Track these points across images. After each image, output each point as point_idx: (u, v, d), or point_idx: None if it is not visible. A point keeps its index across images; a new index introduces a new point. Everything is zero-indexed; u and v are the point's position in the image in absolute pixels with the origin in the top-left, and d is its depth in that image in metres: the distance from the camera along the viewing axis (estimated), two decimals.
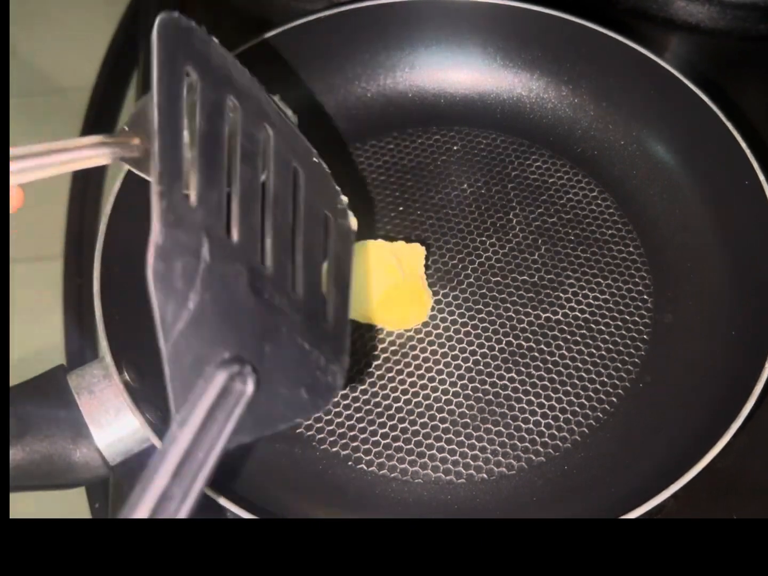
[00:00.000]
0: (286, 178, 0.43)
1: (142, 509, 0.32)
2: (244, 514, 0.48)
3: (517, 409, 0.59)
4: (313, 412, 0.47)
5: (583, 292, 0.64)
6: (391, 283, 0.60)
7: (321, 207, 0.45)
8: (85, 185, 0.99)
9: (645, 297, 0.64)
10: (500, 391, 0.60)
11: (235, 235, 0.39)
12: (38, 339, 0.85)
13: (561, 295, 0.64)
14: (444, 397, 0.59)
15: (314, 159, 0.48)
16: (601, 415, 0.58)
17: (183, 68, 0.39)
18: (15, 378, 0.54)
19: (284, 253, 0.42)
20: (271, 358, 0.39)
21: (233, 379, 0.36)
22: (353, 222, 0.47)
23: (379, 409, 0.59)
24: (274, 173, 0.43)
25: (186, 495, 0.34)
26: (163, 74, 0.39)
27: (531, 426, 0.58)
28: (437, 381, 0.60)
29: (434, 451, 0.57)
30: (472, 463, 0.57)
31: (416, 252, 0.62)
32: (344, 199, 0.47)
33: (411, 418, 0.58)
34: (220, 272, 0.38)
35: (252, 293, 0.39)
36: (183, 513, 0.33)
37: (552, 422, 0.58)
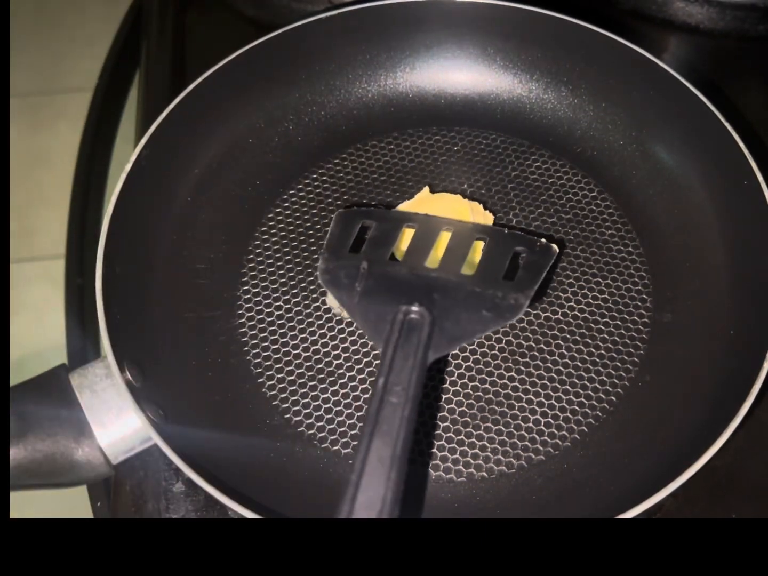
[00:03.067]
0: (466, 241, 0.59)
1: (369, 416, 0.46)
2: (247, 513, 0.48)
3: (516, 408, 0.59)
4: (500, 324, 0.55)
5: (583, 291, 0.64)
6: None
7: (509, 249, 0.58)
8: (87, 185, 0.99)
9: (644, 296, 0.64)
10: (500, 389, 0.60)
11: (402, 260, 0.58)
12: (40, 338, 0.86)
13: (560, 294, 0.64)
14: (444, 396, 0.59)
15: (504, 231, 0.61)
16: (600, 414, 0.58)
17: (358, 223, 0.60)
18: (17, 377, 0.54)
19: (455, 264, 0.57)
20: (440, 299, 0.54)
21: (409, 314, 0.53)
22: (553, 248, 0.57)
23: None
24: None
25: (405, 399, 0.47)
26: (340, 221, 0.60)
27: (531, 425, 0.58)
28: (437, 380, 0.60)
29: (434, 450, 0.57)
30: (472, 461, 0.57)
31: (487, 218, 0.67)
32: (543, 241, 0.58)
33: None
34: (381, 271, 0.57)
35: (413, 276, 0.56)
36: (407, 411, 0.47)
37: (552, 421, 0.58)
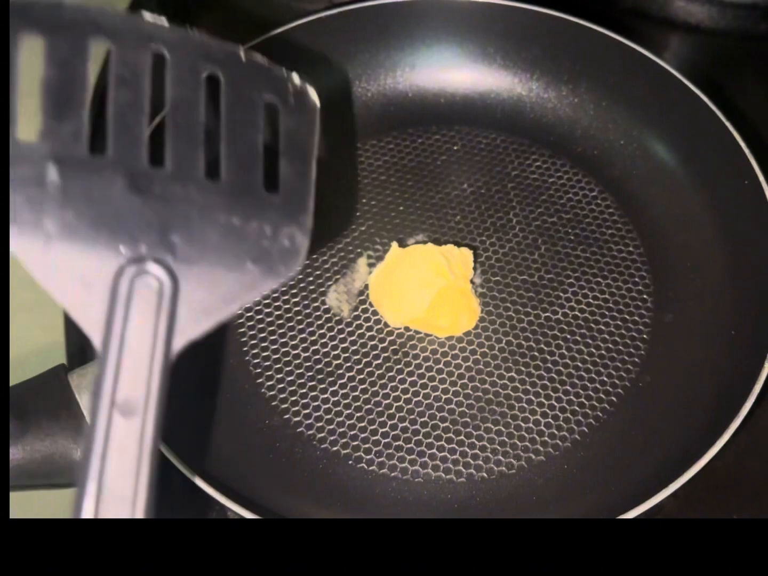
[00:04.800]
0: (192, 85, 0.39)
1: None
2: (246, 514, 0.48)
3: (517, 408, 0.59)
4: (272, 283, 0.39)
5: (583, 291, 0.64)
6: (441, 286, 0.60)
7: (257, 96, 0.42)
8: None
9: (645, 296, 0.64)
10: (500, 390, 0.60)
11: (109, 149, 0.37)
12: (38, 338, 0.85)
13: (561, 294, 0.64)
14: (444, 396, 0.59)
15: (241, 55, 0.44)
16: (601, 415, 0.58)
17: (14, 41, 0.38)
18: (16, 377, 0.54)
19: (190, 149, 0.38)
20: (183, 246, 0.37)
21: (141, 276, 0.35)
22: (312, 96, 0.44)
23: (380, 408, 0.59)
24: (173, 86, 0.39)
25: (146, 416, 0.33)
26: None
27: (531, 425, 0.58)
28: (437, 380, 0.60)
29: (434, 450, 0.57)
30: (472, 462, 0.57)
31: (465, 256, 0.63)
32: (294, 77, 0.44)
33: (411, 417, 0.58)
34: (82, 186, 0.36)
35: (135, 194, 0.36)
36: (148, 440, 0.33)
37: (552, 421, 0.58)
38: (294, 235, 0.40)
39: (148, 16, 0.40)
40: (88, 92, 0.37)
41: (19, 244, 0.35)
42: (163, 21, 0.40)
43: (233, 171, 0.39)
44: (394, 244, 0.64)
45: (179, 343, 0.36)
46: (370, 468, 0.57)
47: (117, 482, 0.33)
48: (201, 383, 0.59)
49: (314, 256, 0.66)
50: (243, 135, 0.40)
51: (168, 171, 0.38)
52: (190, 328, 0.36)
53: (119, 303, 0.35)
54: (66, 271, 0.35)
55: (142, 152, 0.37)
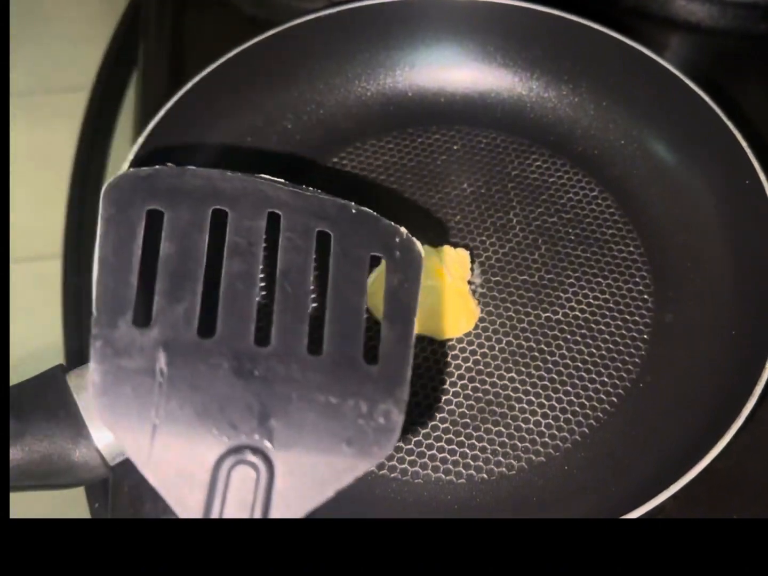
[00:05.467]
0: (303, 248, 0.42)
1: None
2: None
3: (517, 409, 0.59)
4: (366, 466, 0.39)
5: (584, 291, 0.64)
6: (438, 289, 0.60)
7: (364, 252, 0.43)
8: (85, 185, 0.99)
9: (645, 297, 0.64)
10: (500, 390, 0.60)
11: (218, 330, 0.39)
12: (37, 338, 0.85)
13: (561, 294, 0.64)
14: (444, 397, 0.59)
15: (352, 211, 0.46)
16: (601, 415, 0.58)
17: (140, 213, 0.40)
18: (14, 377, 0.54)
19: (296, 323, 0.40)
20: (281, 430, 0.38)
21: (235, 468, 0.36)
22: (418, 249, 0.45)
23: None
24: (284, 249, 0.42)
25: None
26: (109, 230, 0.41)
27: (531, 426, 0.58)
28: (437, 381, 0.60)
29: (434, 451, 0.57)
30: (472, 463, 0.57)
31: (462, 257, 0.63)
32: (403, 231, 0.45)
33: (411, 417, 0.58)
34: (188, 374, 0.38)
35: (238, 378, 0.38)
36: None
37: (552, 422, 0.58)
38: (390, 412, 0.39)
39: (266, 177, 0.43)
40: (203, 267, 0.40)
41: (125, 437, 0.37)
42: (280, 182, 0.43)
43: (335, 342, 0.40)
44: None
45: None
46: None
47: None
48: None
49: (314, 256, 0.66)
50: (347, 298, 0.41)
51: (272, 349, 0.39)
52: (283, 516, 0.37)
53: (217, 492, 0.36)
54: (167, 463, 0.36)
55: (249, 331, 0.39)
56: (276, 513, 0.36)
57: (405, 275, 0.43)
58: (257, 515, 0.36)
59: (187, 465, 0.36)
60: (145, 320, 0.40)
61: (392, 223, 0.45)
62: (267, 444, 0.37)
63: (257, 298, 0.40)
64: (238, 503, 0.36)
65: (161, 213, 0.41)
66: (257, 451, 0.37)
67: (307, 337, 0.40)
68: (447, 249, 0.63)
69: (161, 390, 0.37)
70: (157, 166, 0.43)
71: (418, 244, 0.45)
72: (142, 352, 0.37)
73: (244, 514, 0.35)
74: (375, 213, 0.46)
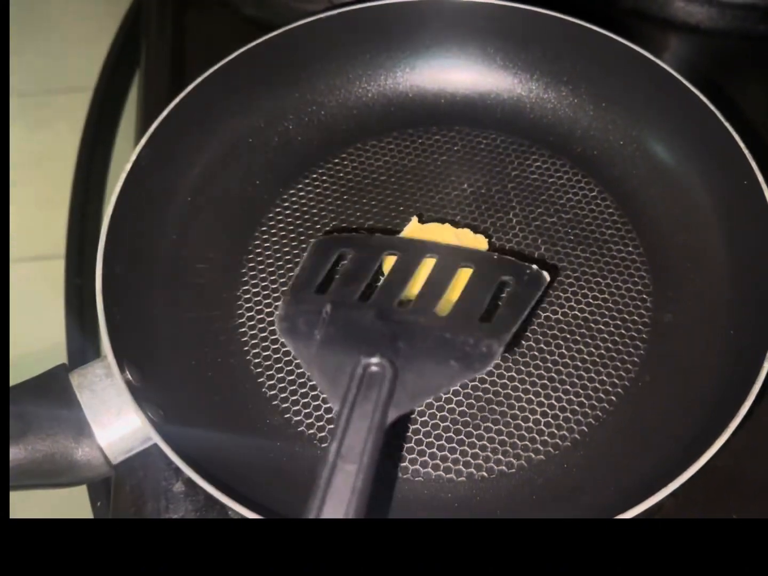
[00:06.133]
0: (448, 269, 0.57)
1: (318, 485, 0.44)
2: (247, 513, 0.48)
3: (516, 408, 0.59)
4: (468, 377, 0.55)
5: (583, 291, 0.64)
6: None
7: (496, 275, 0.56)
8: (87, 185, 0.99)
9: (644, 296, 0.64)
10: (500, 389, 0.60)
11: (373, 298, 0.56)
12: (40, 338, 0.85)
13: (561, 294, 0.64)
14: (444, 396, 0.59)
15: (494, 256, 0.60)
16: (600, 414, 0.58)
17: (334, 253, 0.58)
18: (17, 377, 0.54)
19: (431, 295, 0.55)
20: (405, 349, 0.51)
21: (370, 368, 0.50)
22: (545, 278, 0.56)
23: None
24: (434, 270, 0.57)
25: (361, 464, 0.45)
26: (313, 251, 0.59)
27: (531, 424, 0.58)
28: None
29: (434, 450, 0.57)
30: (472, 461, 0.57)
31: (479, 242, 0.65)
32: (534, 267, 0.56)
33: (411, 416, 0.58)
34: (344, 315, 0.54)
35: (379, 320, 0.54)
36: (360, 481, 0.44)
37: (552, 421, 0.58)
38: (491, 345, 0.52)
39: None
40: (369, 276, 0.57)
41: (293, 344, 0.53)
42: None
43: (459, 308, 0.54)
44: (414, 219, 0.67)
45: (393, 415, 0.48)
46: None
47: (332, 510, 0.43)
48: (202, 383, 0.60)
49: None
50: (475, 291, 0.56)
51: (410, 308, 0.55)
52: (402, 405, 0.49)
53: (354, 383, 0.49)
54: (323, 361, 0.51)
55: (396, 299, 0.55)
56: (396, 401, 0.49)
57: (527, 288, 0.55)
58: (381, 401, 0.48)
59: (335, 364, 0.51)
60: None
61: (529, 264, 0.57)
62: (394, 356, 0.50)
63: (404, 290, 0.56)
64: (369, 391, 0.49)
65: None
66: (387, 359, 0.50)
67: (437, 303, 0.54)
68: (466, 231, 0.66)
69: (323, 322, 0.53)
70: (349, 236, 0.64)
71: (546, 275, 0.56)
72: (314, 303, 0.55)
73: (372, 399, 0.48)
74: (514, 259, 0.59)
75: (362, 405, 0.48)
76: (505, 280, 0.56)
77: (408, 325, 0.53)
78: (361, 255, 0.58)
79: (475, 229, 0.67)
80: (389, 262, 0.58)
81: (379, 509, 0.55)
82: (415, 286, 0.56)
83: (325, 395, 0.59)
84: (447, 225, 0.65)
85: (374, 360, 0.50)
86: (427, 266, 0.57)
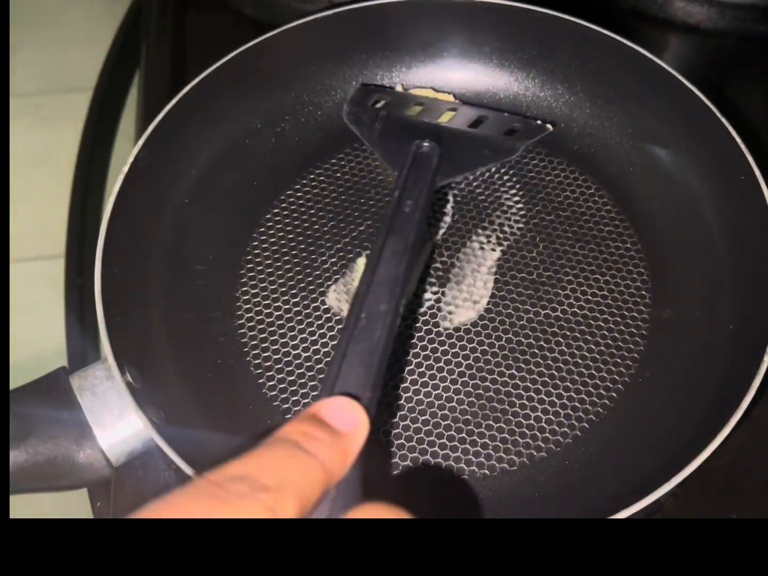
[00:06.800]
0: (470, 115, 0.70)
1: (385, 221, 0.57)
2: None
3: (517, 406, 0.59)
4: (498, 161, 0.67)
5: (582, 288, 0.64)
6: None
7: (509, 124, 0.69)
8: (87, 185, 0.99)
9: (643, 293, 0.64)
10: (500, 387, 0.60)
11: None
12: (40, 339, 0.85)
13: (560, 291, 0.64)
14: (445, 395, 0.60)
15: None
16: (601, 411, 0.59)
17: (377, 93, 0.72)
18: (17, 380, 0.54)
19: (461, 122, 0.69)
20: (449, 140, 0.66)
21: (421, 148, 0.65)
22: (547, 127, 0.68)
23: (381, 407, 0.59)
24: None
25: (415, 207, 0.58)
26: (360, 90, 0.73)
27: (532, 422, 0.58)
28: (438, 378, 0.60)
29: (436, 448, 0.57)
30: (473, 459, 0.57)
31: (445, 96, 0.75)
32: (539, 122, 0.69)
33: (412, 415, 0.59)
34: (397, 117, 0.69)
35: (425, 123, 0.68)
36: (417, 216, 0.58)
37: (552, 418, 0.59)
38: (515, 143, 0.66)
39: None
40: (409, 107, 0.71)
41: (359, 129, 0.69)
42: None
43: (486, 126, 0.69)
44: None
45: (439, 181, 0.63)
46: None
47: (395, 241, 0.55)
48: (202, 384, 0.60)
49: (313, 257, 0.67)
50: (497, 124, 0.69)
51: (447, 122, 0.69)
52: (447, 174, 0.64)
53: (409, 157, 0.64)
54: (383, 143, 0.67)
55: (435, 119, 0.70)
56: (442, 172, 0.64)
57: (535, 128, 0.69)
58: (431, 168, 0.63)
59: (395, 143, 0.66)
60: None
61: (534, 119, 0.70)
62: (439, 143, 0.65)
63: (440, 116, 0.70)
64: (423, 161, 0.64)
65: None
66: (434, 143, 0.65)
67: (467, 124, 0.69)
68: (429, 90, 0.75)
69: (382, 118, 0.69)
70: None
71: (548, 125, 0.68)
72: (372, 108, 0.71)
73: (426, 168, 0.63)
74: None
75: (416, 171, 0.62)
76: (516, 127, 0.68)
77: (448, 128, 0.68)
78: (398, 97, 0.72)
79: (474, 228, 0.68)
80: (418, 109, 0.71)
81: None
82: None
83: (387, 166, 0.67)
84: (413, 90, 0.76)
85: (425, 143, 0.65)
86: (449, 115, 0.70)
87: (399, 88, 0.75)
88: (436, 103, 0.71)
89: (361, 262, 0.66)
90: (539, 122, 0.68)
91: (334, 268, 0.66)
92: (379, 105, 0.71)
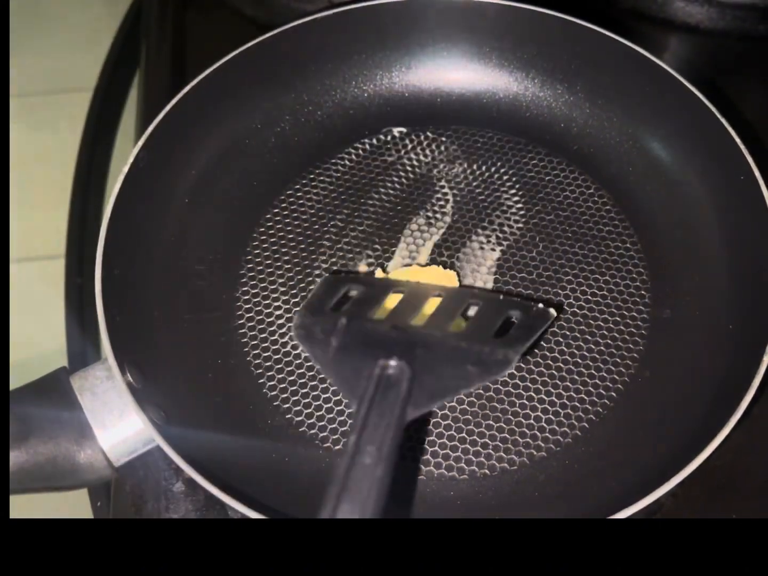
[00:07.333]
0: (458, 304, 0.57)
1: (336, 477, 0.43)
2: (249, 513, 0.48)
3: (518, 405, 0.59)
4: (486, 380, 0.55)
5: (582, 288, 0.64)
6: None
7: (504, 312, 0.56)
8: (88, 185, 0.99)
9: (643, 292, 0.64)
10: (500, 387, 0.60)
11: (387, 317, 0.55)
12: (40, 339, 0.86)
13: (559, 291, 0.64)
14: None
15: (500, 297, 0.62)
16: (601, 410, 0.59)
17: (343, 287, 0.58)
18: (17, 381, 0.54)
19: (445, 315, 0.55)
20: (422, 355, 0.51)
21: (387, 369, 0.49)
22: (550, 313, 0.56)
23: None
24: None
25: (377, 462, 0.44)
26: (324, 284, 0.59)
27: (532, 422, 0.59)
28: None
29: (436, 448, 0.58)
30: (474, 459, 0.57)
31: (449, 277, 0.65)
32: (540, 306, 0.56)
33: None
34: (360, 327, 0.53)
35: (395, 331, 0.53)
36: (380, 471, 0.44)
37: (553, 417, 0.59)
38: (508, 353, 0.50)
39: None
40: (381, 304, 0.56)
41: (311, 349, 0.53)
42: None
43: (472, 328, 0.54)
44: (378, 272, 0.66)
45: (412, 413, 0.49)
46: None
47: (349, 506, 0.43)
48: (202, 384, 0.60)
49: (314, 257, 0.67)
50: (487, 316, 0.55)
51: (425, 324, 0.54)
52: (421, 405, 0.49)
53: (372, 383, 0.48)
54: (339, 365, 0.52)
55: (410, 318, 0.55)
56: (414, 400, 0.48)
57: (535, 320, 0.55)
58: (400, 399, 0.48)
59: (355, 366, 0.50)
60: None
61: (535, 304, 0.58)
62: (411, 359, 0.50)
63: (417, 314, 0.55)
64: (388, 390, 0.48)
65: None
66: (404, 361, 0.49)
67: (450, 324, 0.54)
68: (434, 268, 0.65)
69: (340, 331, 0.53)
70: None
71: (553, 311, 0.56)
72: (329, 316, 0.54)
73: (392, 398, 0.48)
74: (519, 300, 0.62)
75: (380, 404, 0.47)
76: (512, 315, 0.55)
77: (424, 335, 0.52)
78: (370, 289, 0.58)
79: (473, 228, 0.68)
80: (394, 300, 0.57)
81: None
82: (423, 316, 0.56)
83: (344, 397, 0.59)
84: (414, 266, 0.66)
85: (392, 362, 0.49)
86: (433, 303, 0.57)
87: (379, 273, 0.66)
88: (416, 290, 0.58)
89: (361, 262, 0.66)
90: (541, 307, 0.57)
91: (334, 268, 0.66)
92: (343, 308, 0.57)
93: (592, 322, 0.63)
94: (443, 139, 0.75)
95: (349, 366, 0.51)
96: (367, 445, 0.45)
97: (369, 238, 0.68)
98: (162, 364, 0.59)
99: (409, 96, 0.77)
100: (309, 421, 0.59)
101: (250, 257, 0.67)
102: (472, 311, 0.57)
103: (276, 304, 0.64)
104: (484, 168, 0.72)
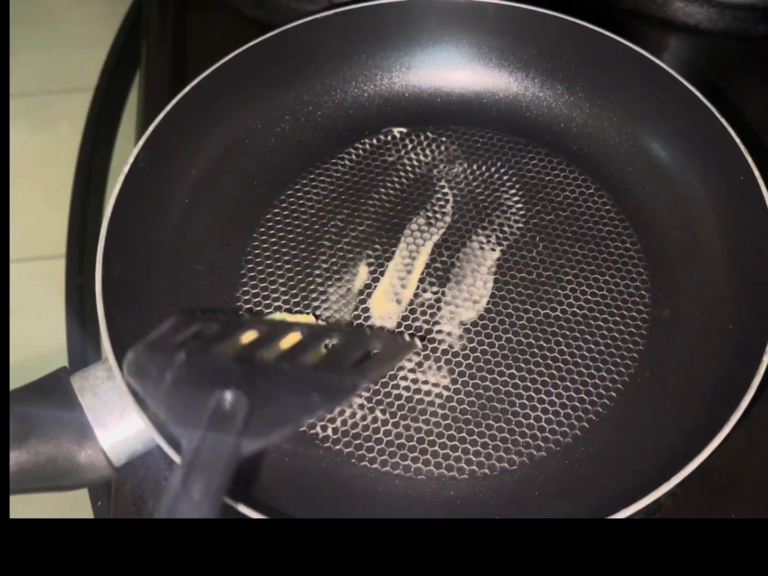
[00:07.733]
0: (314, 340, 0.52)
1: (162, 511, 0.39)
2: (249, 513, 0.48)
3: (517, 405, 0.59)
4: (331, 407, 0.53)
5: (581, 288, 0.64)
6: None
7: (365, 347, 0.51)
8: (88, 185, 0.99)
9: (642, 292, 0.64)
10: (501, 387, 0.60)
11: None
12: (40, 341, 0.85)
13: (559, 291, 0.64)
14: (446, 394, 0.60)
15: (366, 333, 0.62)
16: (600, 410, 0.59)
17: (193, 326, 0.52)
18: (18, 381, 0.54)
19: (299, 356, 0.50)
20: (265, 385, 0.47)
21: (222, 402, 0.45)
22: (414, 343, 0.58)
23: (382, 407, 0.59)
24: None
25: (204, 498, 0.41)
26: (171, 321, 0.53)
27: (532, 421, 0.59)
28: (438, 377, 0.60)
29: (436, 448, 0.58)
30: (474, 459, 0.57)
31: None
32: (405, 338, 0.58)
33: (413, 415, 0.59)
34: (198, 361, 0.48)
35: (236, 364, 0.48)
36: (205, 508, 0.40)
37: (552, 417, 0.59)
38: (356, 380, 0.46)
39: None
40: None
41: (141, 386, 0.48)
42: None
43: (330, 358, 0.50)
44: (276, 314, 0.65)
45: (248, 448, 0.44)
46: (373, 466, 0.57)
47: None
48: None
49: (314, 257, 0.67)
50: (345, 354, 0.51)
51: (273, 356, 0.50)
52: (259, 437, 0.45)
53: (204, 418, 0.44)
54: (171, 401, 0.46)
55: (257, 355, 0.49)
56: (251, 434, 0.44)
57: (397, 352, 0.54)
58: (234, 432, 0.44)
59: (188, 400, 0.46)
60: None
61: (400, 335, 0.60)
62: (250, 390, 0.46)
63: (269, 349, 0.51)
64: (222, 426, 0.44)
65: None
66: (242, 392, 0.45)
67: (307, 354, 0.50)
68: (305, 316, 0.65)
69: (176, 366, 0.47)
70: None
71: (418, 342, 0.58)
72: (168, 353, 0.48)
73: (228, 434, 0.43)
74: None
75: (214, 437, 0.44)
76: (375, 347, 0.52)
77: (268, 366, 0.49)
78: (221, 326, 0.53)
79: (473, 228, 0.68)
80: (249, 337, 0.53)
81: (382, 506, 0.55)
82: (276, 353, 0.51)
83: (175, 436, 0.48)
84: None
85: (228, 393, 0.45)
86: (292, 339, 0.52)
87: (277, 316, 0.64)
88: (275, 326, 0.55)
89: (361, 262, 0.66)
90: (406, 339, 0.57)
91: (334, 268, 0.66)
92: (186, 345, 0.51)
93: (592, 321, 0.63)
94: (443, 139, 0.75)
95: (183, 401, 0.47)
96: (194, 482, 0.42)
97: (369, 238, 0.68)
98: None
99: (409, 96, 0.77)
100: (309, 422, 0.59)
101: (250, 257, 0.67)
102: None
103: (276, 304, 0.64)
104: (484, 168, 0.72)
